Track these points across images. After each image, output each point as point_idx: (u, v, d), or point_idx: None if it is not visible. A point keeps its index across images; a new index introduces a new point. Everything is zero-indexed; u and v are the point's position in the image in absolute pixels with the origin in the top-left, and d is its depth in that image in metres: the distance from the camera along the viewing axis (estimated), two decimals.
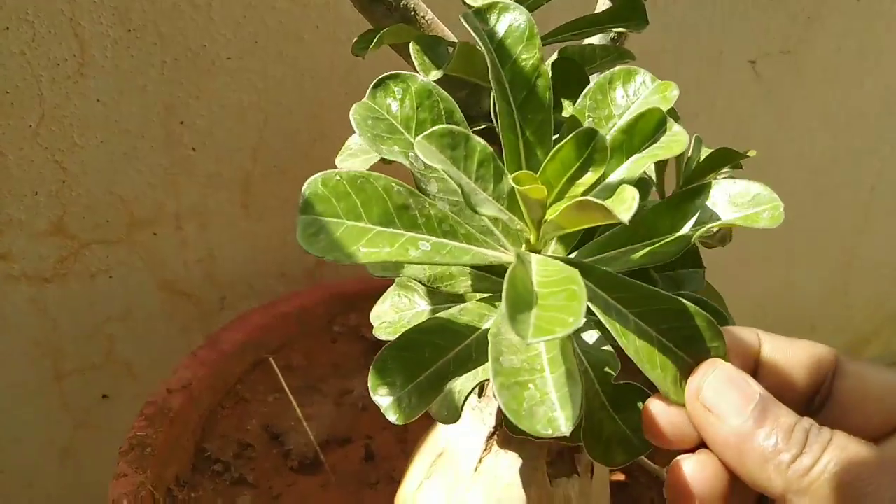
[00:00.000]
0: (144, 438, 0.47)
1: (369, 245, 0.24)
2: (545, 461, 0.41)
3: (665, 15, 0.75)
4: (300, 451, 0.53)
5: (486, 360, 0.26)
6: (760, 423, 0.24)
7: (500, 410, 0.43)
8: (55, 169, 0.59)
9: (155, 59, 0.58)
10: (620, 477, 0.54)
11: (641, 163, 0.25)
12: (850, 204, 1.02)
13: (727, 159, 0.33)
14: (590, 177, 0.23)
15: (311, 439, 0.54)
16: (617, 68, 0.29)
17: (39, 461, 0.70)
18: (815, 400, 0.28)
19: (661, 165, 0.37)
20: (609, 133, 0.26)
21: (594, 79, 0.29)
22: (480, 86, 0.33)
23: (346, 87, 0.65)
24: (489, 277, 0.31)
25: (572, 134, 0.23)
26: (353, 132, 0.37)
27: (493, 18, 0.27)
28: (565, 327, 0.19)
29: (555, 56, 0.36)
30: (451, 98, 0.29)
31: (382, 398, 0.26)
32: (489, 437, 0.42)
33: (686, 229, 0.26)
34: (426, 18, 0.32)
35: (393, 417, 0.26)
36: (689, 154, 0.42)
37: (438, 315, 0.28)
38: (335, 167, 0.76)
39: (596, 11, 0.38)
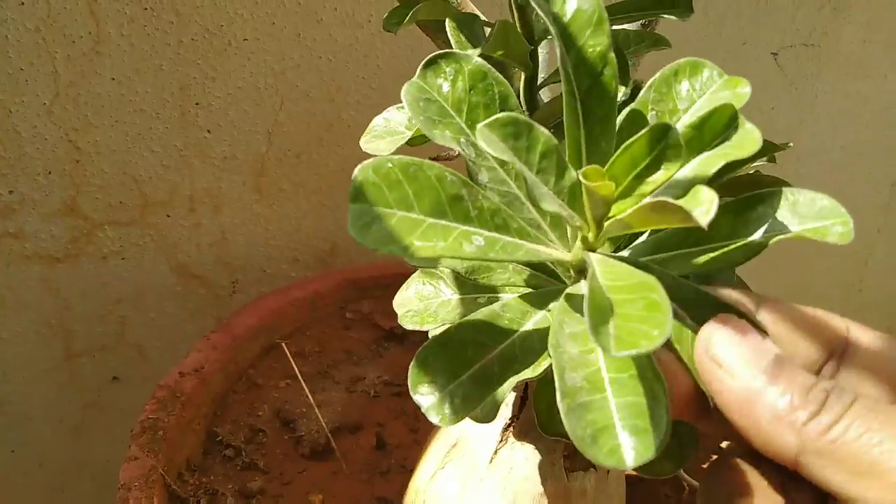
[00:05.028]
0: (156, 422, 0.47)
1: (423, 238, 0.22)
2: (562, 454, 0.40)
3: None
4: (311, 437, 0.53)
5: (532, 361, 0.25)
6: (774, 379, 0.22)
7: (517, 401, 0.42)
8: (69, 148, 0.58)
9: (171, 38, 0.57)
10: (635, 472, 0.53)
11: (713, 161, 0.23)
12: (870, 201, 1.01)
13: (763, 151, 0.32)
14: (662, 175, 0.21)
15: (322, 426, 0.53)
16: (682, 60, 0.27)
17: (50, 440, 0.70)
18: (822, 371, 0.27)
19: None
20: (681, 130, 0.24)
21: (662, 73, 0.28)
22: (510, 68, 0.32)
23: (364, 71, 0.64)
24: (526, 270, 0.30)
25: (647, 128, 0.21)
26: (371, 118, 0.36)
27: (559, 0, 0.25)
28: (651, 341, 0.18)
29: None
30: (506, 82, 0.27)
31: (424, 397, 0.24)
32: (505, 429, 0.42)
33: (757, 236, 0.25)
34: None
35: (435, 419, 0.24)
36: None
37: (480, 312, 0.26)
38: (349, 152, 0.75)
39: None
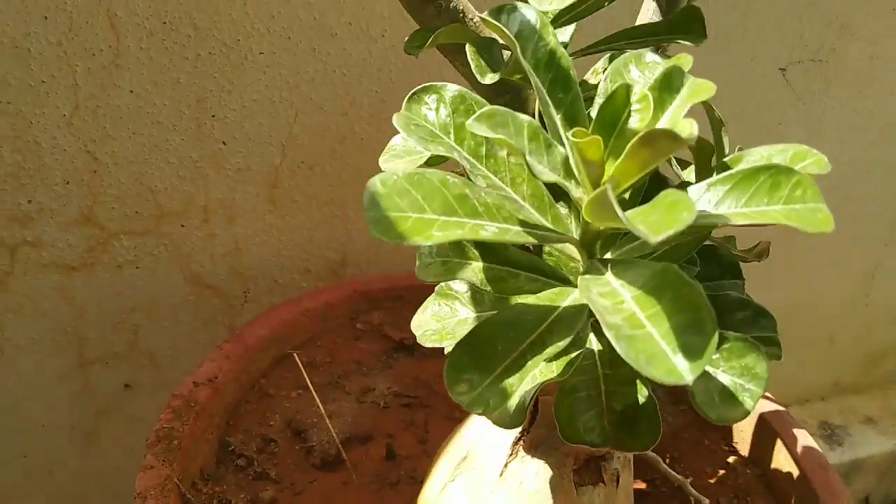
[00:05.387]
0: (171, 431, 0.48)
1: (442, 230, 0.24)
2: (571, 469, 0.41)
3: None
4: (322, 448, 0.53)
5: (555, 343, 0.26)
6: None
7: (528, 415, 0.42)
8: (87, 159, 0.59)
9: (189, 51, 0.58)
10: (642, 486, 0.53)
11: (680, 110, 0.25)
12: (878, 216, 1.01)
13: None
14: (639, 123, 0.23)
15: (333, 436, 0.54)
16: (627, 54, 0.30)
17: (62, 446, 0.71)
18: None
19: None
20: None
21: (612, 65, 0.30)
22: (525, 90, 0.32)
23: (378, 85, 0.65)
24: (538, 279, 0.30)
25: (612, 90, 0.23)
26: (383, 131, 0.37)
27: (506, 15, 0.29)
28: (681, 222, 0.19)
29: (601, 63, 0.36)
30: (485, 101, 0.30)
31: (463, 396, 0.25)
32: (515, 442, 0.42)
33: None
34: (474, 20, 0.32)
35: (478, 411, 0.25)
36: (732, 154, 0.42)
37: (504, 310, 0.28)
38: (362, 164, 0.76)
39: (640, 22, 0.38)
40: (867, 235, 1.03)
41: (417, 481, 0.52)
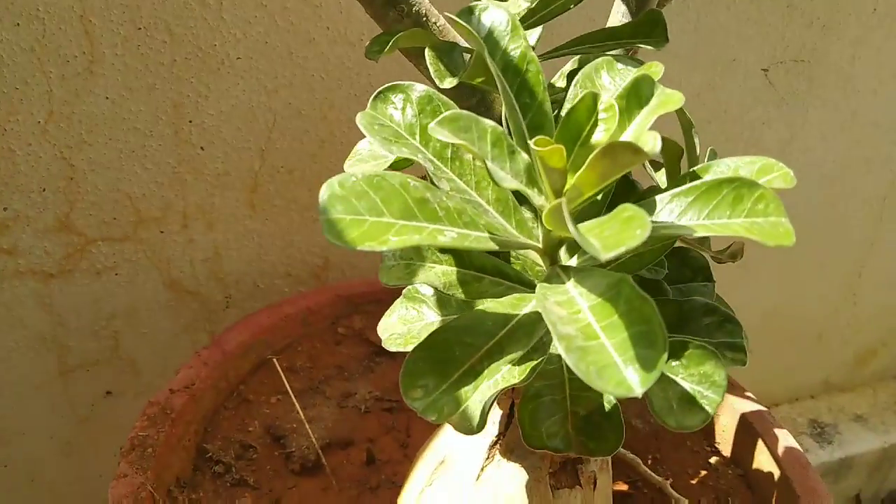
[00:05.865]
0: (146, 438, 0.47)
1: (398, 234, 0.24)
2: (548, 472, 0.41)
3: (679, 18, 0.74)
4: (301, 453, 0.53)
5: (515, 351, 0.26)
6: None
7: (503, 418, 0.42)
8: (63, 165, 0.59)
9: (164, 57, 0.58)
10: (623, 488, 0.53)
11: (646, 122, 0.25)
12: (862, 214, 1.01)
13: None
14: (604, 136, 0.23)
15: (312, 442, 0.54)
16: (599, 59, 0.29)
17: (43, 454, 0.70)
18: None
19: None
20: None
21: (583, 71, 0.30)
22: (490, 94, 0.32)
23: (356, 89, 0.65)
24: (502, 283, 0.30)
25: (578, 98, 0.23)
26: (361, 134, 0.37)
27: (476, 17, 0.28)
28: (634, 239, 0.19)
29: (569, 65, 0.36)
30: (452, 102, 0.29)
31: (417, 402, 0.25)
32: (492, 446, 0.42)
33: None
34: (438, 24, 0.32)
35: (432, 418, 0.25)
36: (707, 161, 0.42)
37: (463, 316, 0.27)
38: (341, 168, 0.76)
39: (609, 25, 0.38)
40: (853, 234, 1.03)
41: (397, 486, 0.51)
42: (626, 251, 0.19)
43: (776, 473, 0.51)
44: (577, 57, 0.34)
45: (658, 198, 0.25)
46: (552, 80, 0.35)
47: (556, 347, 0.30)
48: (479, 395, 0.25)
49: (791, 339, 1.10)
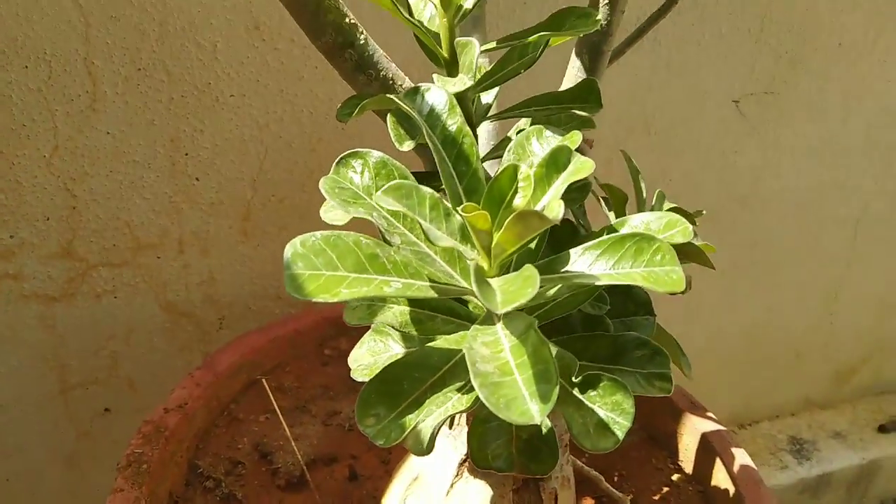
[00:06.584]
0: (141, 455, 0.51)
1: (349, 287, 0.27)
2: (511, 489, 0.44)
3: (651, 55, 0.78)
4: (287, 469, 0.56)
5: (455, 383, 0.30)
6: None
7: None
8: (66, 196, 0.63)
9: (162, 95, 0.62)
10: (591, 503, 0.56)
11: (562, 186, 0.29)
12: (837, 237, 1.05)
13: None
14: (522, 201, 0.27)
15: (298, 458, 0.57)
16: (531, 127, 0.34)
17: (44, 468, 0.74)
18: None
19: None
20: (532, 169, 0.30)
21: (516, 139, 0.34)
22: None
23: (342, 124, 0.69)
24: (453, 321, 0.34)
25: (501, 169, 0.27)
26: None
27: (420, 96, 0.32)
28: (524, 296, 0.23)
29: (521, 122, 0.39)
30: (403, 167, 0.34)
31: (370, 429, 0.29)
32: (461, 464, 0.45)
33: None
34: (404, 87, 0.36)
35: (380, 442, 0.29)
36: (653, 204, 0.45)
37: (411, 352, 0.31)
38: None
39: (566, 78, 0.42)
40: (829, 256, 1.06)
41: (378, 501, 0.55)
42: (519, 306, 0.22)
43: (731, 490, 0.55)
44: (528, 119, 0.38)
45: (573, 251, 0.29)
46: (508, 134, 0.39)
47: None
48: (430, 420, 0.29)
49: (771, 357, 1.13)
